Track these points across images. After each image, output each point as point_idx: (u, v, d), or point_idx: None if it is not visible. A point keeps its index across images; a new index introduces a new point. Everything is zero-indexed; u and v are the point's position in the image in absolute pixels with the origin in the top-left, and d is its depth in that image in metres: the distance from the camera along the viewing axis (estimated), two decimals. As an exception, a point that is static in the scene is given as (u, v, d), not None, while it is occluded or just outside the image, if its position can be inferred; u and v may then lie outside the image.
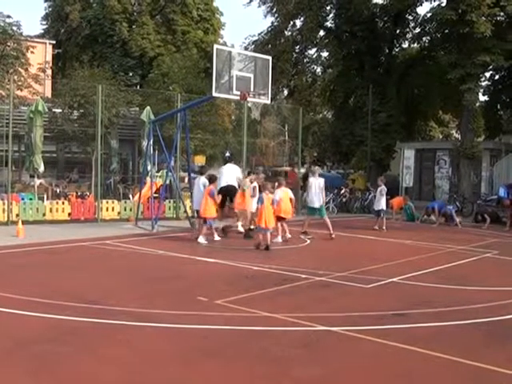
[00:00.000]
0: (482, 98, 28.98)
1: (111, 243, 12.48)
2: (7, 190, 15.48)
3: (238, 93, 13.55)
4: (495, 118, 29.71)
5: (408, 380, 5.16)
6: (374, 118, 25.43)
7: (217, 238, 13.46)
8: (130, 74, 36.32)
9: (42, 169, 17.04)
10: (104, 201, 17.29)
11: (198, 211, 13.91)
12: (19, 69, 21.06)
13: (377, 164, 26.45)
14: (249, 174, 15.74)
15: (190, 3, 38.96)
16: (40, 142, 16.83)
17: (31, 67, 21.83)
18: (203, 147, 26.33)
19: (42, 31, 41.32)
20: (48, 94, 27.06)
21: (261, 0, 29.12)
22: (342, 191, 23.01)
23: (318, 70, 31.99)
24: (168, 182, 18.01)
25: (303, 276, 9.28)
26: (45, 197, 17.31)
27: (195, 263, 10.56)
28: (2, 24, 21.19)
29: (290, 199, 13.85)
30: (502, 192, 19.92)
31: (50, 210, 16.16)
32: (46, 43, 32.04)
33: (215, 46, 14.12)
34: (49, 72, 24.98)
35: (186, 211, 16.89)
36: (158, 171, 19.72)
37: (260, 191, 13.29)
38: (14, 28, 21.51)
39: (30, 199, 16.67)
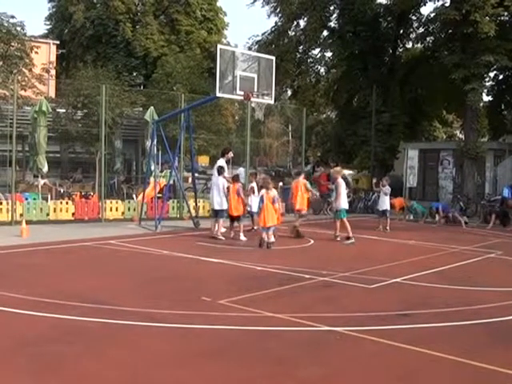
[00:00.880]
0: (486, 98, 28.91)
1: (115, 243, 12.50)
2: (11, 189, 15.53)
3: (242, 93, 13.55)
4: (499, 118, 29.62)
5: (411, 380, 5.15)
6: (378, 118, 25.38)
7: (243, 237, 13.55)
8: (134, 74, 36.30)
9: (45, 169, 17.07)
10: (108, 201, 17.32)
11: (214, 210, 14.07)
12: (23, 69, 21.08)
13: (380, 164, 26.41)
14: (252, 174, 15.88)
15: (193, 3, 38.95)
16: (44, 142, 16.85)
17: (35, 67, 21.84)
18: (207, 147, 26.33)
19: (46, 31, 41.35)
20: (52, 94, 27.10)
21: (264, 0, 29.10)
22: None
23: (322, 70, 31.89)
24: (172, 181, 18.05)
25: (307, 276, 9.28)
26: (49, 197, 17.36)
27: (199, 263, 10.57)
28: (6, 24, 21.20)
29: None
30: (505, 192, 19.86)
31: (54, 210, 16.19)
32: (49, 43, 32.06)
33: (219, 46, 14.10)
34: (53, 72, 25.02)
35: (189, 211, 16.91)
36: (161, 171, 19.75)
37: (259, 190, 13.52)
38: (18, 28, 21.52)
39: (34, 199, 16.70)
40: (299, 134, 23.55)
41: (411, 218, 20.01)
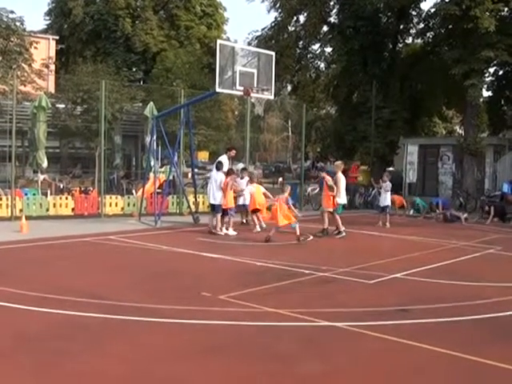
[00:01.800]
0: (486, 93, 28.86)
1: (115, 238, 12.50)
2: (11, 185, 15.52)
3: (242, 88, 13.55)
4: (499, 114, 29.59)
5: (411, 375, 5.16)
6: (378, 113, 25.36)
7: (258, 228, 14.17)
8: (134, 70, 36.23)
9: (45, 164, 17.06)
10: (107, 196, 17.32)
11: (212, 205, 14.19)
12: (22, 64, 21.08)
13: (380, 160, 26.40)
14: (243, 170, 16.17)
15: (193, -2, 38.92)
16: (43, 137, 16.84)
17: (34, 63, 21.85)
18: (206, 143, 26.33)
19: (46, 27, 41.31)
20: (51, 89, 27.09)
21: (264, -5, 29.02)
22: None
23: (322, 65, 31.85)
24: (171, 177, 18.04)
25: (307, 272, 9.29)
26: (48, 192, 17.36)
27: (199, 258, 10.57)
28: (6, 19, 21.21)
29: (264, 194, 14.73)
30: (505, 188, 19.88)
31: (54, 206, 16.18)
32: (49, 39, 32.04)
33: (218, 42, 14.09)
34: (52, 67, 25.04)
35: (189, 207, 16.91)
36: (161, 167, 19.74)
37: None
38: (18, 23, 21.53)
39: (34, 194, 16.70)
40: (299, 129, 23.55)
41: (411, 213, 20.03)
